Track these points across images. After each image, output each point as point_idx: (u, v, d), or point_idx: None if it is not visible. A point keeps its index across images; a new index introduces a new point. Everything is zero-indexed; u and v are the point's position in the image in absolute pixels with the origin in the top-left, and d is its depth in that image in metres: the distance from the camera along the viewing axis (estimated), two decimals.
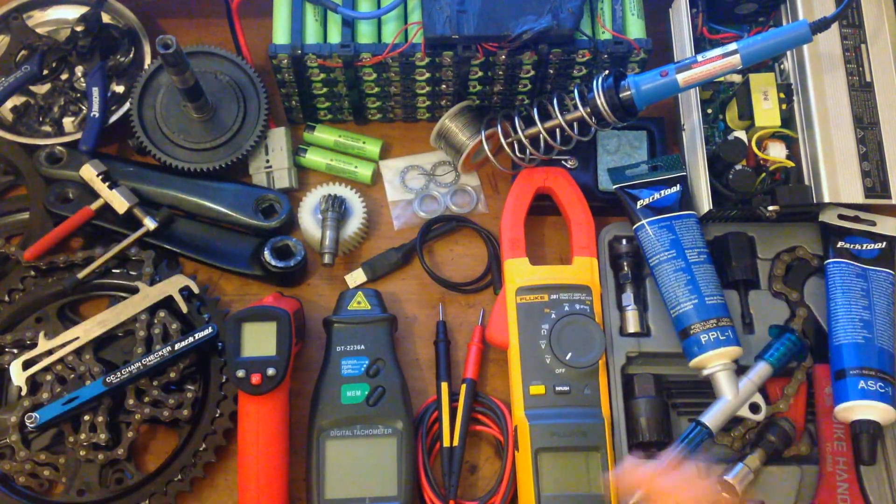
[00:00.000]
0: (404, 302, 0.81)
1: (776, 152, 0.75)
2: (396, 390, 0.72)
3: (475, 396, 0.75)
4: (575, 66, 0.77)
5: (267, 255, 0.77)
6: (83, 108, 0.82)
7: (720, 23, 0.79)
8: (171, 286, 0.75)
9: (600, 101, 0.71)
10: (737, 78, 0.77)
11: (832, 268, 0.74)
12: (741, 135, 0.76)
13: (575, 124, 0.75)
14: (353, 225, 0.80)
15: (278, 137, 0.83)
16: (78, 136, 0.79)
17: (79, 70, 0.83)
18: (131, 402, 0.72)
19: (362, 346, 0.73)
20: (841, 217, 0.76)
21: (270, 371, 0.69)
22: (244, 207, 0.80)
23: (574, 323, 0.73)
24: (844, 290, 0.73)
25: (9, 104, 0.82)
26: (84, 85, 0.82)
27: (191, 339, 0.72)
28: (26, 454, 0.71)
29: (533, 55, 0.74)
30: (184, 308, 0.75)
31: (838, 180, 0.72)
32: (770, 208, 0.73)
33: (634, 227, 0.75)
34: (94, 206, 0.78)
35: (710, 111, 0.78)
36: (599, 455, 0.69)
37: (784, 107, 0.75)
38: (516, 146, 0.78)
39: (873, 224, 0.76)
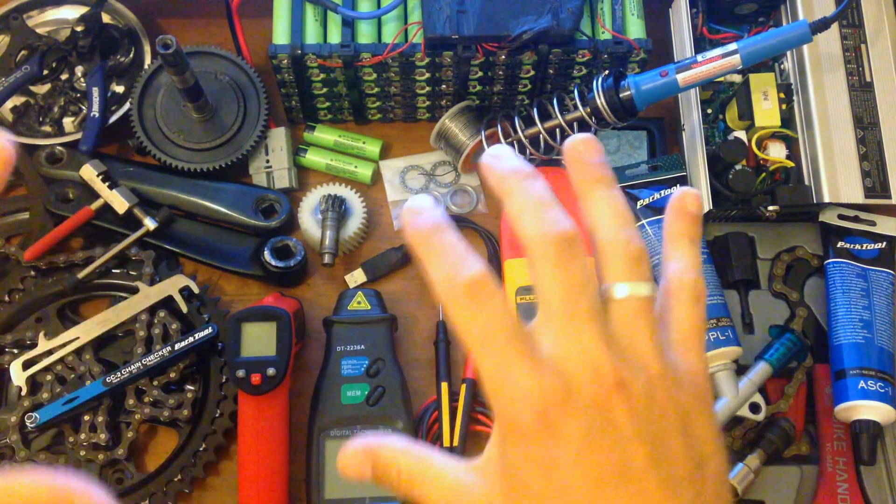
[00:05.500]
0: (404, 302, 0.80)
1: (776, 152, 0.75)
2: (396, 390, 0.72)
3: (475, 396, 0.75)
4: (575, 66, 0.77)
5: (267, 255, 0.77)
6: (83, 108, 0.82)
7: (720, 23, 0.79)
8: (171, 286, 0.75)
9: (600, 101, 0.71)
10: (737, 78, 0.77)
11: (832, 268, 0.74)
12: (741, 135, 0.76)
13: (575, 124, 0.75)
14: (353, 225, 0.80)
15: (278, 137, 0.83)
16: (78, 136, 0.79)
17: (79, 70, 0.83)
18: (131, 402, 0.72)
19: (362, 346, 0.73)
20: (841, 217, 0.76)
21: (270, 371, 0.69)
22: (244, 207, 0.80)
23: None
24: (844, 290, 0.73)
25: (9, 104, 0.82)
26: (84, 85, 0.82)
27: (191, 340, 0.72)
28: (26, 454, 0.71)
29: (533, 55, 0.74)
30: (184, 308, 0.75)
31: (838, 180, 0.71)
32: (770, 208, 0.73)
33: None
34: (94, 206, 0.78)
35: (710, 111, 0.78)
36: None
37: (784, 107, 0.75)
38: (516, 146, 0.78)
39: (873, 224, 0.76)
